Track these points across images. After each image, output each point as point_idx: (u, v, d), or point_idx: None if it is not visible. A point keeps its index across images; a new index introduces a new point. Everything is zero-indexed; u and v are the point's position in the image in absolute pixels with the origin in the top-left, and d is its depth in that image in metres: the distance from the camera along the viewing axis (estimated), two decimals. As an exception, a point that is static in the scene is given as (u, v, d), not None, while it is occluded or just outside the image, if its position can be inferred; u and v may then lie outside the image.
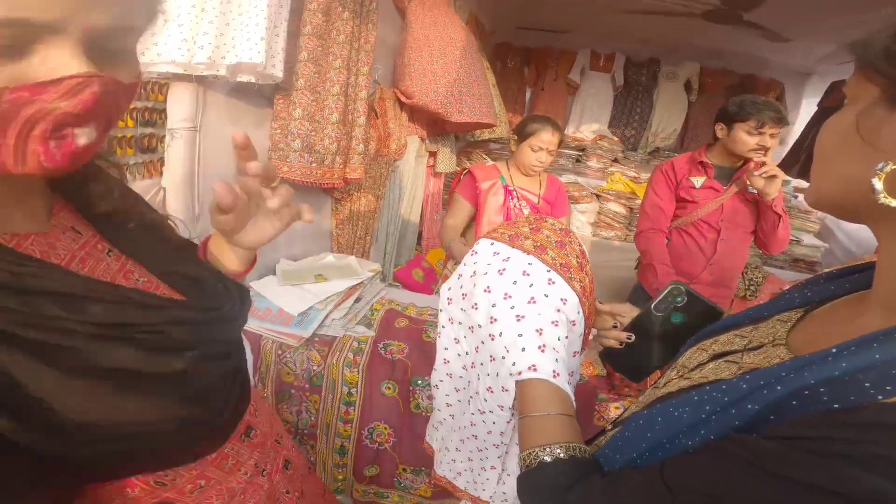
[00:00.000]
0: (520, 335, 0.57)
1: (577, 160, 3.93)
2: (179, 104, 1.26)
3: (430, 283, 2.85)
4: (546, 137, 1.80)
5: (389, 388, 1.31)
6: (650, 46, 3.99)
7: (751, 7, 2.56)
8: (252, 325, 1.42)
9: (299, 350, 1.37)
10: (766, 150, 1.69)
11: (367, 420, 1.33)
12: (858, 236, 4.01)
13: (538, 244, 0.64)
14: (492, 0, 3.33)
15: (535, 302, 0.58)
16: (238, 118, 1.50)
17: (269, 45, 1.20)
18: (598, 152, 3.82)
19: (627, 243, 3.45)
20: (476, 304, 0.62)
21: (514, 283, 0.60)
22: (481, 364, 0.62)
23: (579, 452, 0.50)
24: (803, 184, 3.92)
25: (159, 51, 1.08)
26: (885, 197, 0.36)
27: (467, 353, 0.67)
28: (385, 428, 1.34)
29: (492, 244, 0.66)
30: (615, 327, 0.71)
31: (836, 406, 0.34)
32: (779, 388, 0.36)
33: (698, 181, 1.83)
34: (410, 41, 2.24)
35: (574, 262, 0.64)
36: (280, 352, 1.38)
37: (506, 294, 0.60)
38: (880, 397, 0.32)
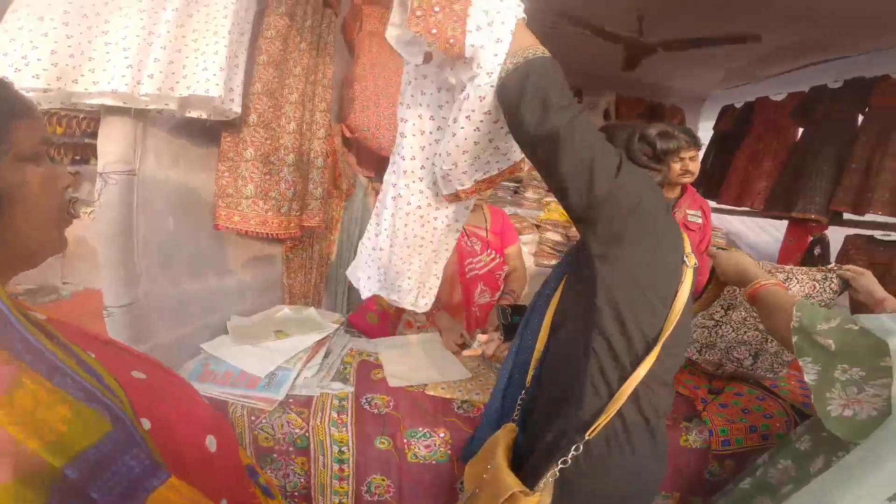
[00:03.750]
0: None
1: (515, 192, 4.03)
2: (113, 143, 1.06)
3: (385, 326, 2.67)
4: None
5: (384, 443, 1.23)
6: (574, 77, 4.27)
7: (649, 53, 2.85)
8: (212, 390, 1.26)
9: (274, 414, 1.23)
10: (690, 172, 1.80)
11: (363, 475, 1.24)
12: (760, 248, 4.53)
13: None
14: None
15: None
16: (179, 160, 1.30)
17: (227, 77, 1.05)
18: (534, 183, 3.95)
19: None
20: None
21: None
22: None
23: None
24: (710, 203, 4.35)
25: (96, 78, 0.89)
26: None
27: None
28: (383, 480, 1.25)
29: None
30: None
31: None
32: None
33: None
34: (357, 74, 2.16)
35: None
36: (253, 417, 1.23)
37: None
38: None
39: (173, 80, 1.00)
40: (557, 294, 0.95)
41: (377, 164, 2.62)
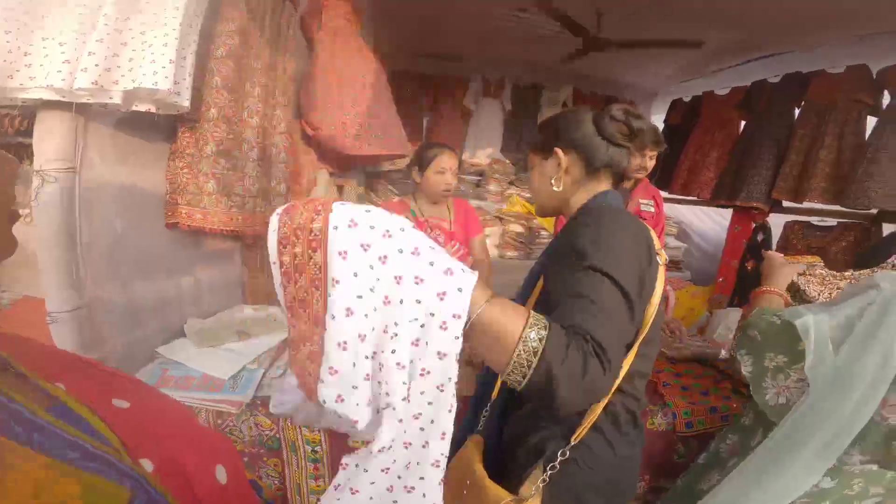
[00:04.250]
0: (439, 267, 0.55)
1: (477, 185, 4.06)
2: (50, 140, 0.99)
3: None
4: (446, 159, 1.84)
5: (357, 442, 1.19)
6: (533, 72, 4.33)
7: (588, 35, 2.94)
8: (175, 395, 1.19)
9: (242, 416, 1.21)
10: (645, 169, 1.88)
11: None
12: (709, 236, 4.77)
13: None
14: (388, 25, 3.33)
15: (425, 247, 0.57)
16: (126, 156, 1.23)
17: (176, 70, 1.00)
18: (496, 176, 3.99)
19: (530, 261, 3.62)
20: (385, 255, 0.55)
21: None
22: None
23: (538, 318, 0.57)
24: (662, 194, 4.53)
25: (32, 73, 0.83)
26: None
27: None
28: None
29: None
30: None
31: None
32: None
33: None
34: (318, 70, 2.10)
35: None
36: (220, 421, 1.20)
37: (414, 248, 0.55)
38: None
39: (117, 74, 0.94)
40: (532, 300, 0.92)
41: (339, 160, 2.57)
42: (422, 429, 0.56)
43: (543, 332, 0.56)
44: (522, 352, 0.55)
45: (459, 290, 0.54)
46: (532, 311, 0.58)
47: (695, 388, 1.52)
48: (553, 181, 0.95)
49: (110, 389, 0.50)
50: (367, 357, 0.54)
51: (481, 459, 0.89)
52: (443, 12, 3.10)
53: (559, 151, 0.94)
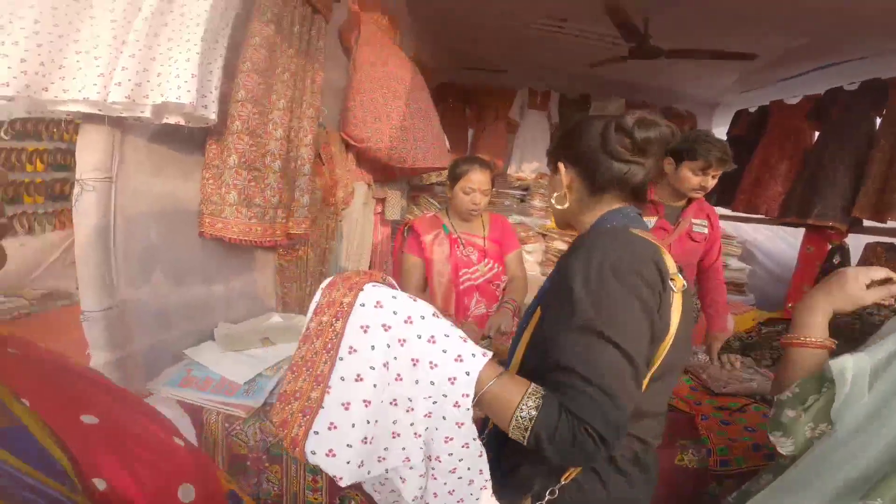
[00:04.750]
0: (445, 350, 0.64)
1: (522, 200, 3.98)
2: (90, 151, 1.07)
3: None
4: (476, 178, 1.75)
5: None
6: (581, 83, 4.23)
7: (643, 40, 2.79)
8: (191, 395, 1.26)
9: (249, 422, 1.23)
10: (705, 189, 1.73)
11: (337, 489, 1.21)
12: (777, 257, 4.36)
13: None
14: (432, 40, 3.38)
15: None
16: (163, 167, 1.31)
17: (200, 84, 1.05)
18: (541, 191, 3.90)
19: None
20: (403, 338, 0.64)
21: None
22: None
23: (536, 392, 0.65)
24: (723, 211, 4.22)
25: (66, 86, 0.90)
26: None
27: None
28: (357, 495, 1.23)
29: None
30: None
31: None
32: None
33: (650, 221, 1.80)
34: (358, 83, 2.16)
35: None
36: (228, 424, 1.23)
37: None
38: None
39: (147, 88, 1.01)
40: (533, 322, 0.83)
41: (380, 172, 2.62)
42: (460, 477, 0.66)
43: (535, 409, 0.62)
44: (519, 419, 0.63)
45: (468, 373, 0.63)
46: (531, 384, 0.65)
47: (738, 423, 1.37)
48: (554, 198, 0.87)
49: (81, 404, 0.49)
50: (368, 422, 0.60)
51: None
52: (484, 25, 3.11)
53: (561, 167, 0.85)
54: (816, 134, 3.42)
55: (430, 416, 0.63)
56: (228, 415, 1.21)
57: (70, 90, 0.91)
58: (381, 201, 2.94)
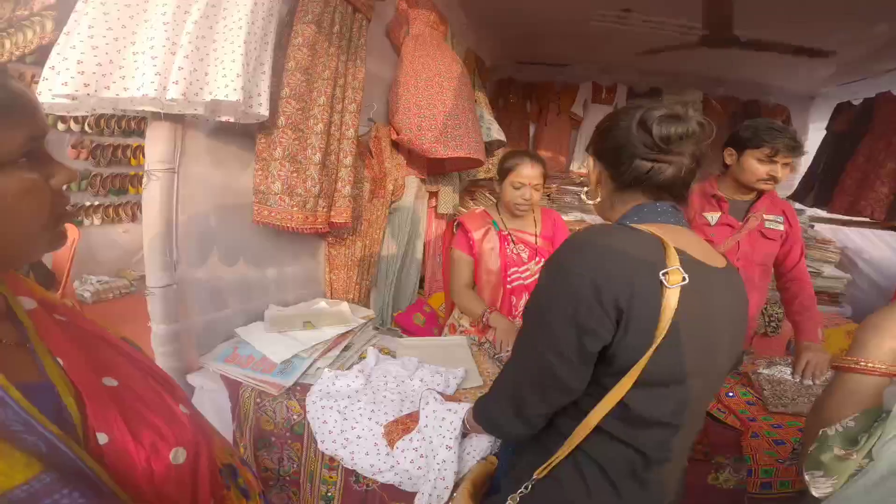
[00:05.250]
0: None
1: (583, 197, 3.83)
2: (156, 144, 1.21)
3: (431, 328, 2.70)
4: (526, 172, 1.68)
5: None
6: (651, 76, 3.99)
7: (726, 27, 2.54)
8: (233, 371, 1.37)
9: (279, 399, 1.31)
10: (776, 180, 1.56)
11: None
12: (882, 266, 3.80)
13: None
14: (491, 35, 3.36)
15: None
16: (222, 160, 1.44)
17: (251, 83, 1.15)
18: (605, 187, 3.73)
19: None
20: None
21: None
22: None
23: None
24: (820, 213, 3.77)
25: (126, 84, 1.02)
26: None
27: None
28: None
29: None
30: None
31: None
32: None
33: (713, 217, 1.67)
34: (401, 76, 2.20)
35: None
36: (259, 400, 1.31)
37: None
38: None
39: (198, 87, 1.11)
40: None
41: (430, 166, 2.66)
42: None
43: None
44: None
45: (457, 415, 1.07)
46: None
47: (793, 443, 1.24)
48: (587, 192, 0.87)
49: (106, 368, 0.57)
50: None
51: (476, 479, 0.93)
52: (543, 18, 3.02)
53: (591, 161, 0.85)
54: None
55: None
56: (261, 391, 1.30)
57: (130, 88, 1.03)
58: (434, 195, 2.98)
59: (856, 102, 3.59)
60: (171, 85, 1.05)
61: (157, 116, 1.19)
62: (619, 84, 4.06)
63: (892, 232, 3.29)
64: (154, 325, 1.31)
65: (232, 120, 1.25)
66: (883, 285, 3.61)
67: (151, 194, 1.24)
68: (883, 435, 0.61)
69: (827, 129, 3.85)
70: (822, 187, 3.73)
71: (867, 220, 3.32)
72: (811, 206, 3.83)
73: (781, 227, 1.69)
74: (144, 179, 1.23)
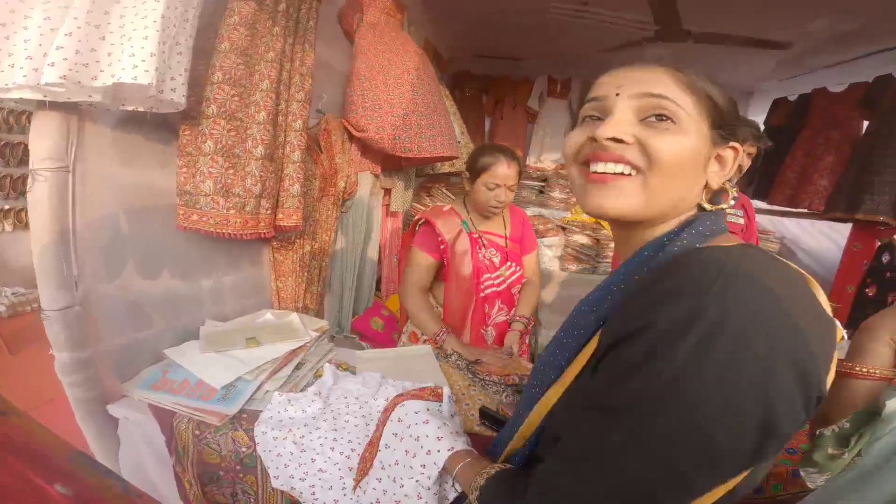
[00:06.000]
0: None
1: (540, 191, 3.80)
2: (42, 139, 0.99)
3: (390, 333, 2.56)
4: (502, 172, 1.55)
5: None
6: (604, 71, 4.00)
7: (674, 21, 2.56)
8: (162, 398, 1.18)
9: (222, 430, 1.13)
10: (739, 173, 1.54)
11: None
12: (819, 255, 4.03)
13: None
14: (448, 27, 3.23)
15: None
16: (134, 156, 1.22)
17: (164, 65, 0.95)
18: (561, 182, 3.70)
19: (596, 276, 3.29)
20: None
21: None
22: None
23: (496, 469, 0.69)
24: (760, 204, 3.93)
25: (5, 75, 0.81)
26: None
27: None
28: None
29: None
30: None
31: None
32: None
33: None
34: (361, 69, 2.03)
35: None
36: (198, 431, 1.13)
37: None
38: None
39: (95, 69, 0.91)
40: (578, 364, 0.58)
41: (385, 161, 2.50)
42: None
43: (477, 489, 0.67)
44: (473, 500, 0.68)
45: (435, 464, 0.80)
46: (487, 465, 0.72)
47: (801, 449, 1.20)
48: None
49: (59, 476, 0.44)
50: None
51: None
52: (500, 11, 2.93)
53: (732, 148, 0.69)
54: (865, 124, 3.13)
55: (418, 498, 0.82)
56: (200, 421, 1.12)
57: (5, 77, 0.82)
58: (388, 192, 2.82)
59: (792, 98, 3.76)
60: (46, 67, 0.84)
61: (42, 106, 0.97)
62: (574, 78, 4.04)
63: (830, 223, 3.47)
64: (56, 352, 1.09)
65: (141, 109, 1.04)
66: (821, 274, 3.81)
67: (37, 198, 1.01)
68: (872, 436, 0.67)
69: (765, 123, 4.02)
70: (761, 180, 3.89)
71: (805, 210, 3.47)
72: (752, 199, 3.99)
73: (742, 222, 1.69)
74: (29, 181, 1.01)
